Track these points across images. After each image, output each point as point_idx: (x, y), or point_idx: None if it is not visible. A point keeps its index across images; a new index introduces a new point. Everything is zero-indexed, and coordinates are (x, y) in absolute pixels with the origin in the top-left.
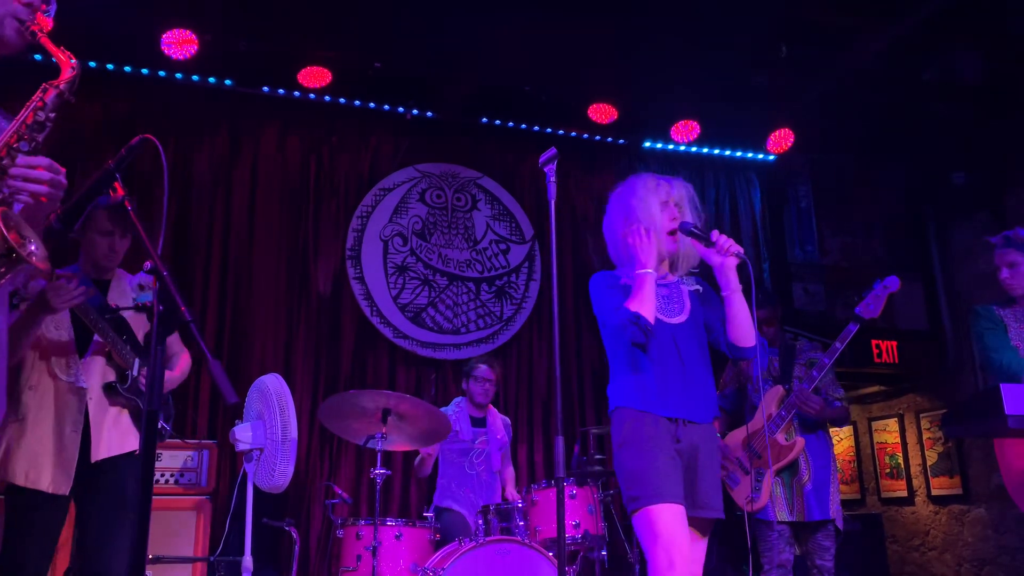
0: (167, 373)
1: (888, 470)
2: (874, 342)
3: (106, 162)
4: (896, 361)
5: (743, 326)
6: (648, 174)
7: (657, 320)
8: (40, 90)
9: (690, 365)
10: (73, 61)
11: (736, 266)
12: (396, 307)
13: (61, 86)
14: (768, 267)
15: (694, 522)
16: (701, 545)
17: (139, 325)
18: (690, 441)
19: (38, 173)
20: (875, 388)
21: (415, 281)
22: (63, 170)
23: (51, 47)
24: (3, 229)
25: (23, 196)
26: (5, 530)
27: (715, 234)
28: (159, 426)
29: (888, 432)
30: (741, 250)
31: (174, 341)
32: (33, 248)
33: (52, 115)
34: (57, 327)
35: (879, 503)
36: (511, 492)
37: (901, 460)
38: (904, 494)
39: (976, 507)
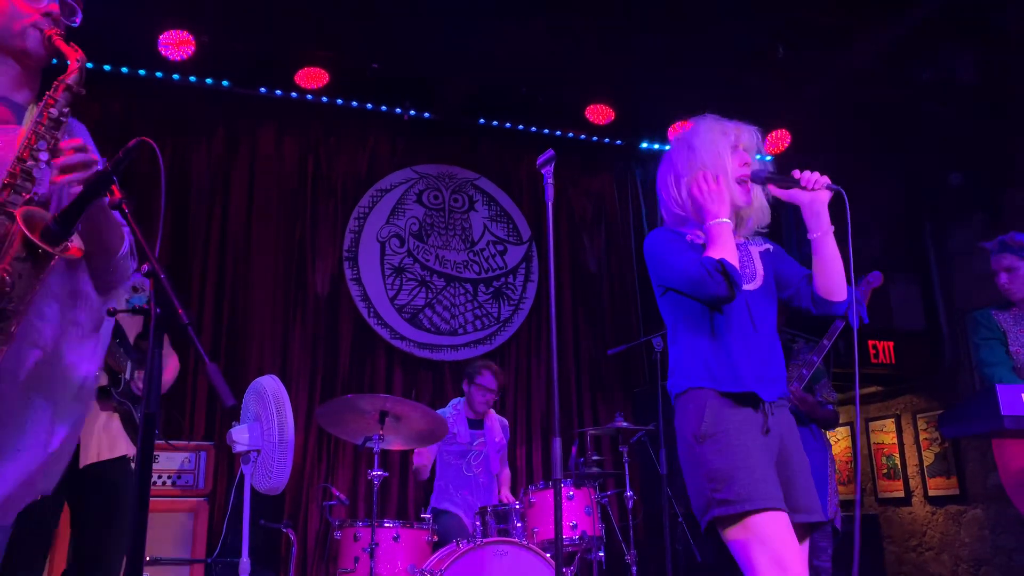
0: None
1: (885, 471)
2: (871, 343)
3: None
4: (893, 362)
5: (834, 274)
6: (714, 115)
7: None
8: (52, 87)
9: (766, 338)
10: (79, 53)
11: (828, 202)
12: (393, 308)
13: (69, 80)
14: None
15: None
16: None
17: (130, 327)
18: (779, 428)
19: (80, 157)
20: (872, 389)
21: (412, 282)
22: (89, 147)
23: (61, 44)
24: (24, 229)
25: (72, 188)
26: None
27: (797, 172)
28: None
29: (885, 433)
30: (829, 181)
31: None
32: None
33: (66, 110)
34: None
35: (876, 504)
36: (506, 494)
37: (898, 461)
38: (901, 495)
39: (973, 507)
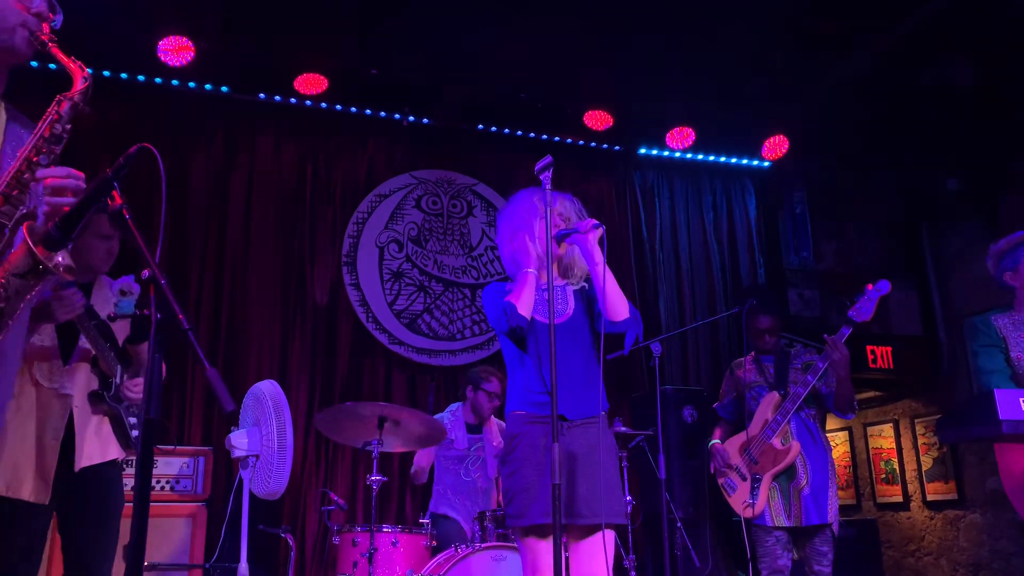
0: (138, 381)
1: (883, 475)
2: (869, 348)
3: (103, 170)
4: (891, 367)
5: (611, 298)
6: (533, 188)
7: (536, 321)
8: (55, 102)
9: (568, 364)
10: (85, 72)
11: (598, 239)
12: (392, 313)
13: (75, 97)
14: (764, 273)
15: (573, 530)
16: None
17: (119, 330)
18: (568, 443)
19: (64, 183)
20: (870, 394)
21: (411, 288)
22: (82, 175)
23: (62, 57)
24: (31, 245)
25: (44, 208)
26: None
27: (577, 222)
28: (136, 436)
29: (883, 437)
30: (596, 222)
31: (144, 348)
32: (60, 259)
33: (68, 126)
34: (40, 333)
35: (874, 508)
36: (504, 498)
37: (896, 465)
38: (899, 499)
39: (971, 512)
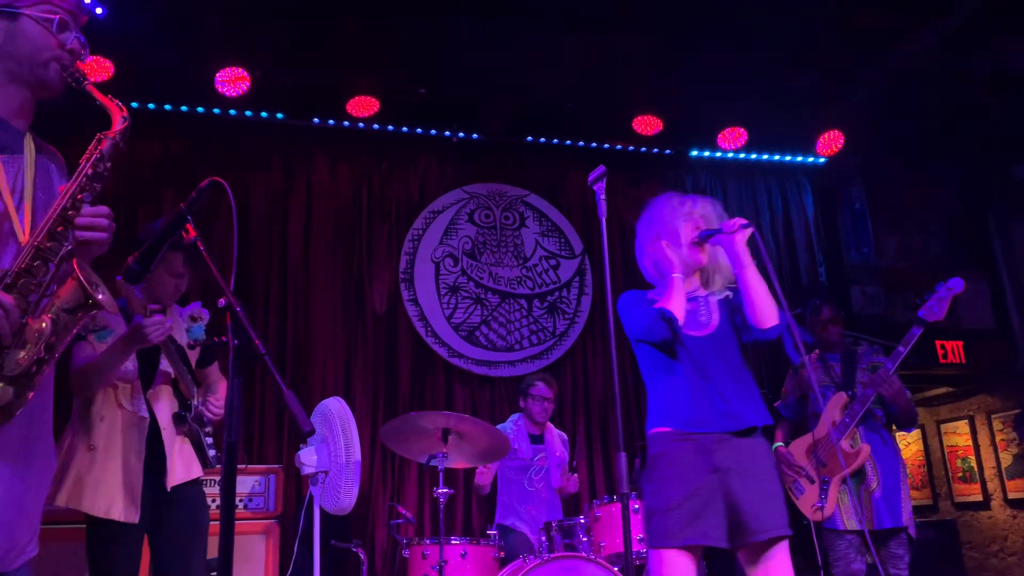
0: (215, 400)
1: (960, 474)
2: (939, 343)
3: (168, 199)
4: (963, 361)
5: (759, 303)
6: (672, 193)
7: (687, 335)
8: (95, 141)
9: (718, 377)
10: (124, 111)
11: (747, 241)
12: (450, 327)
13: (116, 137)
14: (824, 271)
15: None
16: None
17: (190, 356)
18: (722, 459)
19: (101, 221)
20: (942, 390)
21: (467, 300)
22: (111, 214)
23: (99, 95)
24: (83, 280)
25: (90, 246)
26: (91, 564)
27: (723, 223)
28: (212, 455)
29: (958, 435)
30: (745, 221)
31: (212, 370)
32: (101, 296)
33: (108, 164)
34: None
35: (952, 508)
36: (574, 485)
37: (974, 463)
38: (979, 498)
39: None
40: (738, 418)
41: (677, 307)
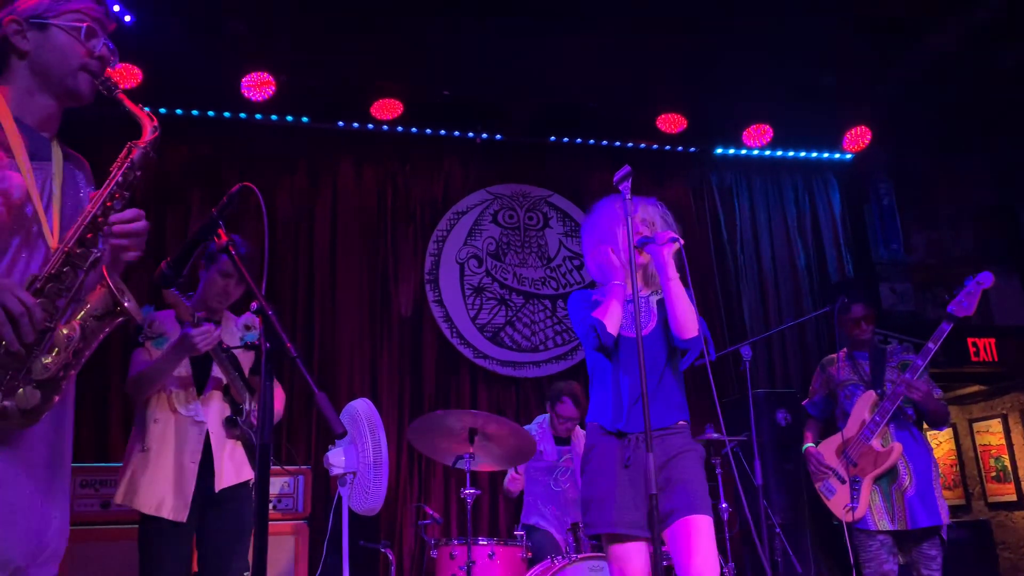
0: None
1: (994, 473)
2: (970, 340)
3: (202, 206)
4: (995, 359)
5: (680, 315)
6: (613, 196)
7: (622, 336)
8: (126, 149)
9: (653, 376)
10: (155, 122)
11: (672, 254)
12: (475, 328)
13: (147, 147)
14: (852, 268)
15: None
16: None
17: (244, 361)
18: (641, 454)
19: (137, 226)
20: (974, 388)
21: (492, 301)
22: (143, 214)
23: (130, 104)
24: (113, 288)
25: (128, 253)
26: (141, 559)
27: (656, 234)
28: None
29: (991, 433)
30: (674, 235)
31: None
32: (128, 303)
33: (139, 173)
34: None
35: (986, 508)
36: (580, 506)
37: (1008, 462)
38: (1013, 498)
39: None
40: (656, 417)
41: (612, 318)
